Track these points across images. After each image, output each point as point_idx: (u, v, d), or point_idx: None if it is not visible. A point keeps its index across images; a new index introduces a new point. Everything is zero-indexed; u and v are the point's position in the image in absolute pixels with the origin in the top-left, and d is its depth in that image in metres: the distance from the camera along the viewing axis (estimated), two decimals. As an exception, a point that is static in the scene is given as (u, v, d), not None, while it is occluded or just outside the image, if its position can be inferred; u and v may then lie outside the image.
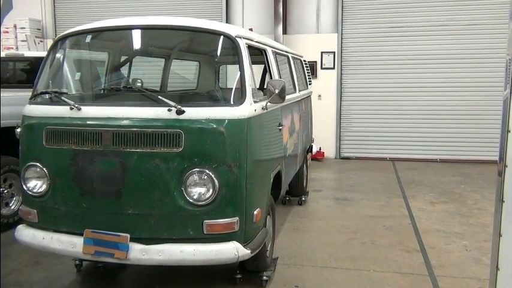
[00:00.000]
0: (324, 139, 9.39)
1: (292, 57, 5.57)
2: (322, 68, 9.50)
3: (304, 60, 6.67)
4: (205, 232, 2.98)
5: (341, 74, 9.46)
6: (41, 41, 10.53)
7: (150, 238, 3.00)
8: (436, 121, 9.12)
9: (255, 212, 3.20)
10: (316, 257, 4.40)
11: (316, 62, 9.44)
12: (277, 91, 3.35)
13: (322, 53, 9.46)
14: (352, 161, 9.37)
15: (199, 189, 2.96)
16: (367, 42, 9.28)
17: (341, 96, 9.50)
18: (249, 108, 3.11)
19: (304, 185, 6.27)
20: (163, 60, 5.05)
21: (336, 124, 9.54)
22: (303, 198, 6.14)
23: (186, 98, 3.68)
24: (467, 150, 9.06)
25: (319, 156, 9.26)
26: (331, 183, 7.69)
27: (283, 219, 5.53)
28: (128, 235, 2.97)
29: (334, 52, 9.41)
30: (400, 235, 5.00)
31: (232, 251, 2.98)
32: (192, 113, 2.96)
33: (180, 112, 2.95)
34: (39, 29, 10.69)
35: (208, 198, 2.96)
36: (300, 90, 5.54)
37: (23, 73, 7.27)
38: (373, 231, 5.13)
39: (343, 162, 9.35)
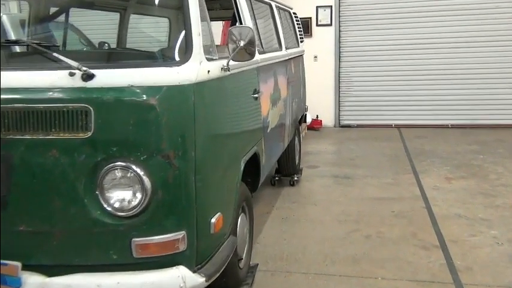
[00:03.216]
0: (321, 106, 8.37)
1: (277, 7, 4.50)
2: (317, 24, 8.38)
3: (294, 13, 5.59)
4: (135, 255, 2.02)
5: (339, 31, 8.36)
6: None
7: (54, 266, 2.04)
8: (447, 82, 8.07)
9: (213, 220, 2.23)
10: (309, 258, 3.46)
11: (310, 18, 8.31)
12: (242, 43, 2.33)
13: (317, 7, 8.32)
14: (353, 130, 8.37)
15: (121, 194, 1.98)
16: (369, -6, 8.16)
17: (340, 56, 8.43)
18: (197, 69, 2.09)
19: (297, 162, 5.29)
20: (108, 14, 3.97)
21: (334, 88, 8.50)
22: (295, 178, 5.17)
23: (101, 56, 2.65)
24: (482, 113, 8.04)
25: (316, 125, 8.27)
26: (330, 156, 6.72)
27: (271, 205, 4.59)
28: (19, 264, 2.00)
29: (331, 6, 8.27)
30: (413, 224, 4.06)
31: (176, 281, 2.03)
32: (107, 77, 1.96)
33: (87, 77, 1.94)
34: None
35: (136, 207, 1.98)
36: (287, 48, 4.49)
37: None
38: (380, 219, 4.19)
39: (343, 130, 8.35)
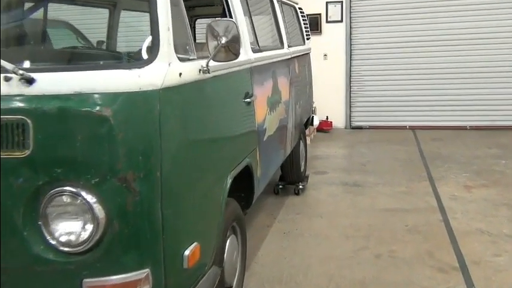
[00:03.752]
0: (331, 106, 7.98)
1: (279, 2, 4.13)
2: (327, 21, 7.99)
3: (300, 8, 5.20)
4: (88, 299, 1.67)
5: (350, 28, 7.95)
6: None
7: (-8, 310, 1.70)
8: (465, 81, 7.61)
9: (187, 252, 1.86)
10: (311, 282, 3.08)
11: (320, 14, 7.92)
12: (224, 40, 1.96)
13: (327, 3, 7.94)
14: (365, 131, 7.95)
15: (68, 225, 1.62)
16: (382, -12, 7.75)
17: (351, 54, 8.03)
18: (165, 71, 1.72)
19: (302, 168, 4.90)
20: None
21: (345, 88, 8.10)
22: (300, 186, 4.78)
23: (52, 56, 2.30)
24: (502, 114, 7.57)
25: (325, 127, 7.87)
26: (339, 161, 6.31)
27: (272, 217, 4.21)
28: None
29: (341, 2, 7.88)
30: (429, 240, 3.65)
31: (136, 332, 1.66)
32: (50, 82, 1.60)
33: (26, 82, 1.58)
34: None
35: (86, 241, 1.62)
36: (290, 46, 4.11)
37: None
38: (392, 234, 3.79)
39: (355, 132, 7.94)
